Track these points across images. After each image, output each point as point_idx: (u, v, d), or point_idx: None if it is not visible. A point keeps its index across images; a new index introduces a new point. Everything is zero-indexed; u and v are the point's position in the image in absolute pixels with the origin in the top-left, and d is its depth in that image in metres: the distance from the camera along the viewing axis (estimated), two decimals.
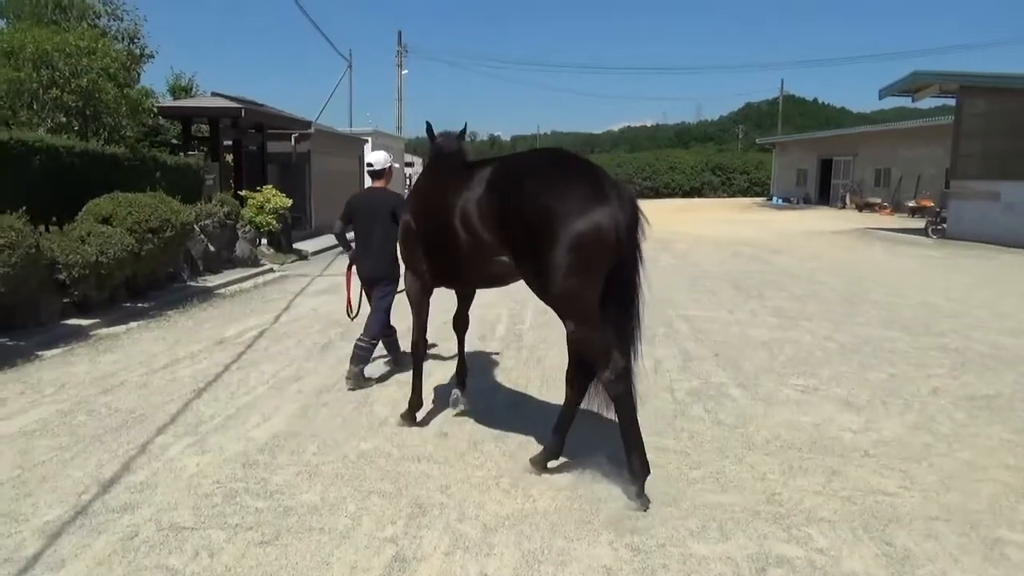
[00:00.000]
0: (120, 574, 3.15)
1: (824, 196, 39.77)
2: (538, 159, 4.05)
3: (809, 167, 41.91)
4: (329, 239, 19.16)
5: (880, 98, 23.12)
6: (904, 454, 4.52)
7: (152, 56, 17.41)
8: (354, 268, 6.27)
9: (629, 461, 3.79)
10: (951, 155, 21.01)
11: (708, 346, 7.30)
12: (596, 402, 4.10)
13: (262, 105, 17.88)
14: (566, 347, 4.09)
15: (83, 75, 12.26)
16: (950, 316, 8.94)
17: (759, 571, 3.17)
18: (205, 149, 16.75)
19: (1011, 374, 6.36)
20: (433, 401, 5.46)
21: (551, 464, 4.17)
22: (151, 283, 10.19)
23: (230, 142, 17.14)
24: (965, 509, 3.77)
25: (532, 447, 4.44)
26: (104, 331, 8.07)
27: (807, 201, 40.27)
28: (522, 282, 4.05)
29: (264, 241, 15.43)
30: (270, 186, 15.90)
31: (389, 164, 6.22)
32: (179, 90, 20.90)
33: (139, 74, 16.85)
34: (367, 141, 27.52)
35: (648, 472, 3.78)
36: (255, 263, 13.93)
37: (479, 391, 5.61)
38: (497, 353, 6.98)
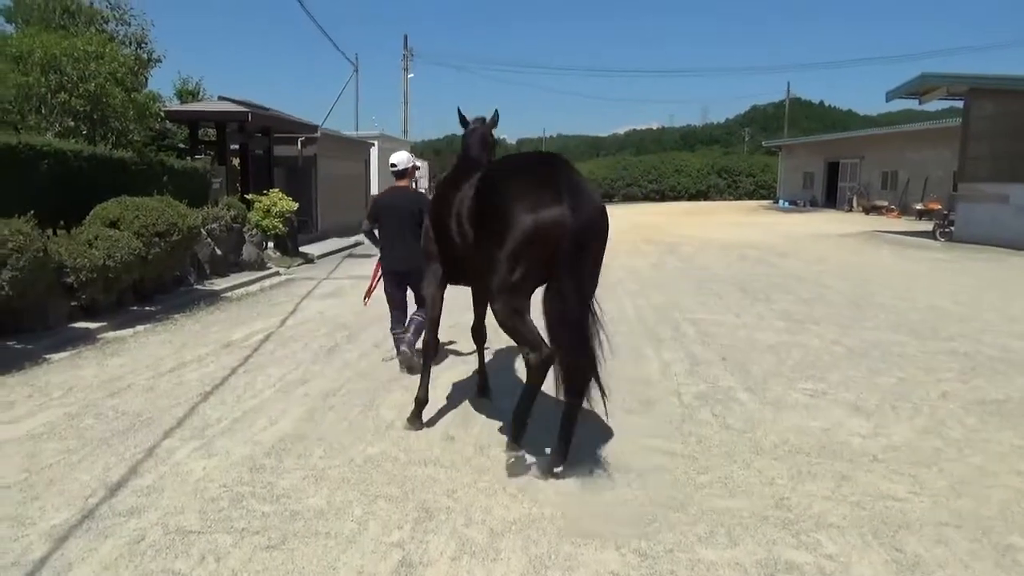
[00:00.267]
0: None
1: (831, 199, 39.67)
2: (513, 165, 4.36)
3: (816, 170, 41.82)
4: (335, 243, 19.25)
5: (887, 100, 23.08)
6: (914, 459, 4.48)
7: (159, 60, 17.53)
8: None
9: (514, 423, 4.20)
10: (959, 157, 20.90)
11: (715, 350, 7.27)
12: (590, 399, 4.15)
13: (268, 109, 17.95)
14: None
15: (91, 80, 12.34)
16: (959, 320, 8.88)
17: None
18: (212, 153, 16.83)
19: (1022, 378, 6.30)
20: (440, 405, 5.45)
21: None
22: (158, 287, 10.22)
23: (237, 146, 17.20)
24: (976, 515, 3.74)
25: (538, 452, 4.42)
26: (111, 334, 8.10)
27: (814, 204, 40.18)
28: None
29: (270, 245, 15.47)
30: (276, 190, 15.94)
31: (412, 164, 6.61)
32: (186, 94, 21.01)
33: (146, 78, 16.97)
34: (373, 145, 27.61)
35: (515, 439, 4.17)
36: (261, 266, 13.97)
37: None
38: (502, 357, 6.96)
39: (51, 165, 9.47)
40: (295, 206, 15.86)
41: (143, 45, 16.93)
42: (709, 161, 56.09)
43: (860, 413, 5.35)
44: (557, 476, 4.12)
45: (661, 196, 51.07)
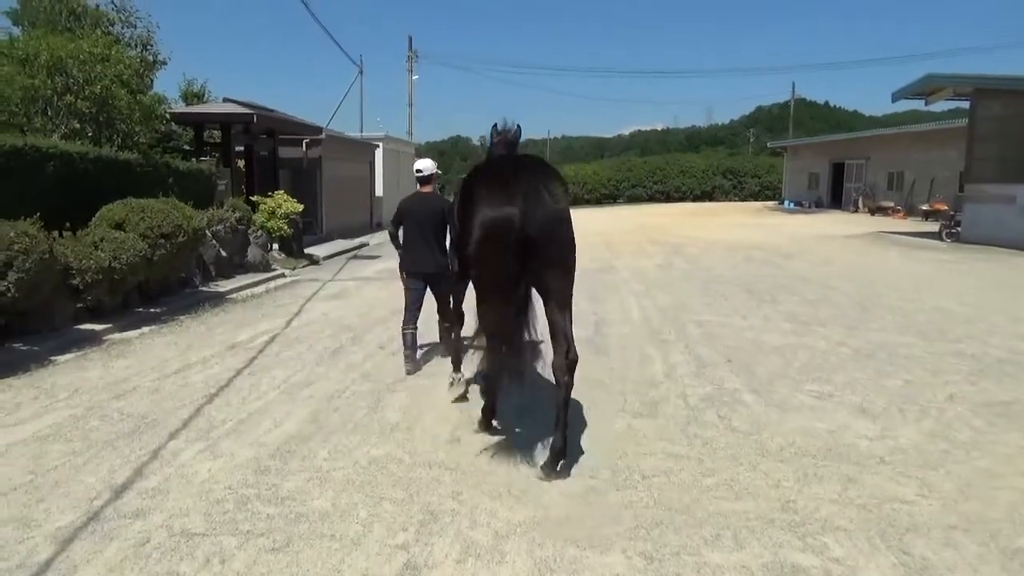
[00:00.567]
0: None
1: (836, 200, 39.49)
2: (484, 170, 4.76)
3: (821, 171, 41.65)
4: (340, 244, 19.29)
5: (893, 101, 22.93)
6: (921, 461, 4.46)
7: (165, 62, 17.54)
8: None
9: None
10: (965, 158, 20.78)
11: (721, 351, 7.25)
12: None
13: (273, 111, 17.99)
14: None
15: (97, 82, 12.37)
16: (966, 321, 8.84)
17: None
18: (217, 155, 16.86)
19: None
20: (445, 408, 5.45)
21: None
22: (163, 288, 10.25)
23: (242, 147, 17.24)
24: (984, 518, 3.71)
25: (543, 453, 4.41)
26: (117, 336, 8.12)
27: (819, 205, 40.02)
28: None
29: (276, 246, 15.50)
30: (281, 191, 15.97)
31: (435, 170, 6.83)
32: (191, 96, 21.05)
33: (152, 80, 17.00)
34: (378, 146, 27.64)
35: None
36: (267, 268, 13.99)
37: None
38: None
39: (57, 167, 9.51)
40: (300, 207, 15.88)
41: (149, 47, 16.95)
42: (714, 162, 55.89)
43: (867, 415, 5.33)
44: (562, 478, 4.11)
45: (666, 197, 50.93)
